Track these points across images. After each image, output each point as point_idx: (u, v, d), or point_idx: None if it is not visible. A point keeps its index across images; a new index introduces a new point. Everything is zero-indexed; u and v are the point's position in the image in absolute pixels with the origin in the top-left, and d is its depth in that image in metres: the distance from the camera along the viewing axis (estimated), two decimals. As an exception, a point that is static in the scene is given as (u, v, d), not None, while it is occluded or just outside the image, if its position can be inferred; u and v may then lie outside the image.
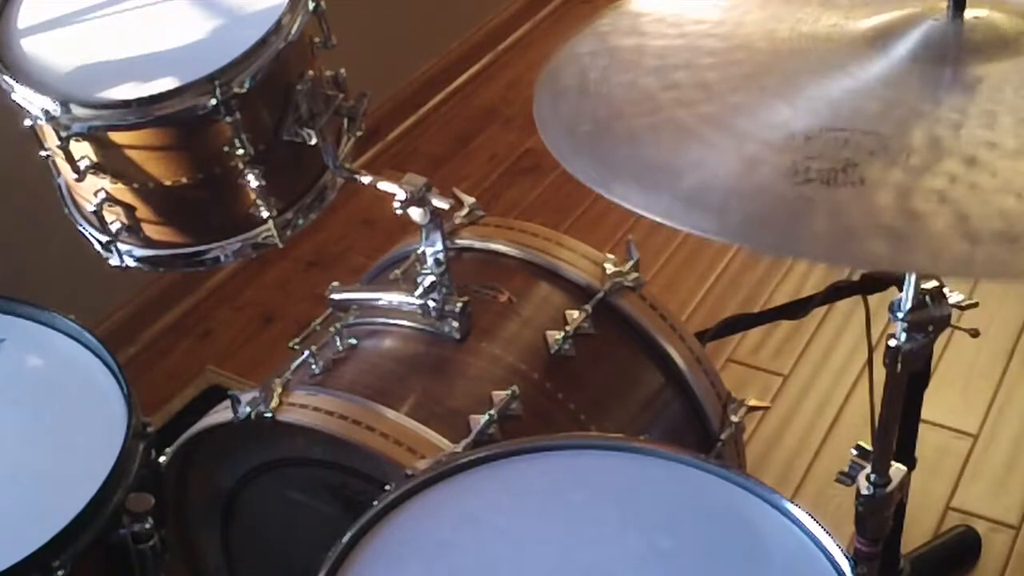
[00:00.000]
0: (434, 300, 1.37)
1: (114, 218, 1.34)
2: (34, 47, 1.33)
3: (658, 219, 0.89)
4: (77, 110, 1.25)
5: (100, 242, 1.37)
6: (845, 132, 0.91)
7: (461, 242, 1.53)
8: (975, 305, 1.23)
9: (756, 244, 0.90)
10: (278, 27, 1.27)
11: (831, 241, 0.86)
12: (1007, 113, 0.92)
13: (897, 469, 1.19)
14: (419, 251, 1.40)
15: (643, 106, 1.01)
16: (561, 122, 1.03)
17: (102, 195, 1.31)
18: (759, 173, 0.90)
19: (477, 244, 1.53)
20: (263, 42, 1.26)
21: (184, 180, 1.30)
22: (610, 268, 1.48)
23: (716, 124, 0.96)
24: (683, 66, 1.04)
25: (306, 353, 1.39)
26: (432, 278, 1.38)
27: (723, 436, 1.47)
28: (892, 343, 1.08)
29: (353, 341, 1.42)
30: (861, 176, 0.88)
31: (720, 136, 0.95)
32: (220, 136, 1.27)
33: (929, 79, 0.96)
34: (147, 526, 1.12)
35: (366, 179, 1.37)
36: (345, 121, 1.40)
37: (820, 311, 2.21)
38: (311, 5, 1.32)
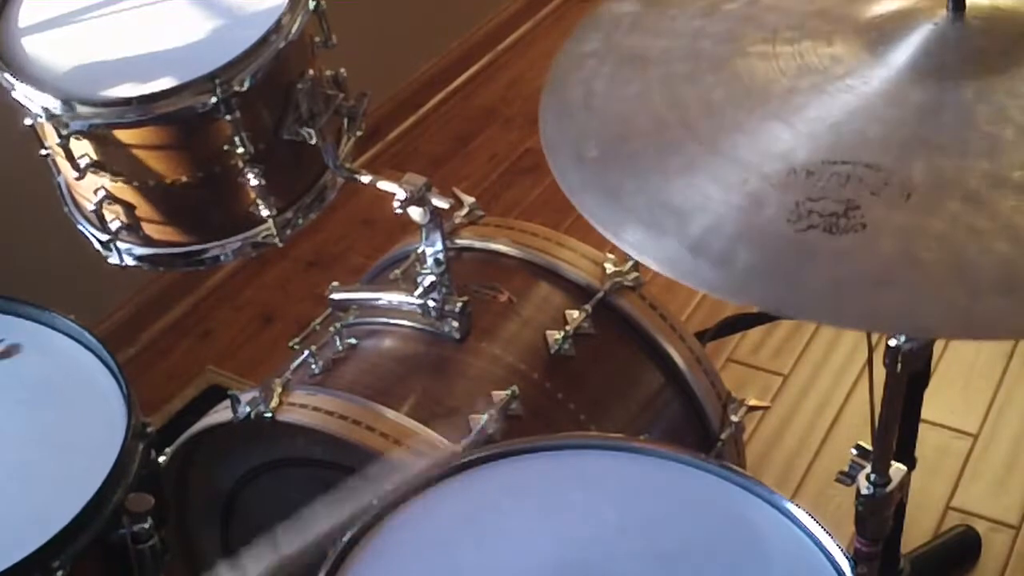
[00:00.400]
0: (434, 300, 1.37)
1: (114, 217, 1.34)
2: (34, 46, 1.32)
3: (666, 272, 0.90)
4: (77, 108, 1.24)
5: (100, 241, 1.37)
6: (847, 165, 0.92)
7: (461, 242, 1.53)
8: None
9: (762, 303, 0.91)
10: (278, 26, 1.27)
11: (833, 300, 0.87)
12: (1009, 137, 0.92)
13: (897, 469, 1.19)
14: (419, 251, 1.40)
15: (648, 127, 1.01)
16: (568, 144, 1.03)
17: (102, 193, 1.31)
18: (763, 216, 0.91)
19: (477, 244, 1.53)
20: (263, 41, 1.26)
21: (184, 179, 1.30)
22: (610, 268, 1.48)
23: (720, 153, 0.97)
24: (686, 77, 1.04)
25: (306, 353, 1.39)
26: (432, 278, 1.37)
27: (723, 436, 1.47)
28: (892, 343, 1.08)
29: (353, 341, 1.42)
30: (863, 220, 0.88)
31: (724, 167, 0.95)
32: (220, 135, 1.27)
33: (930, 96, 0.96)
34: (146, 526, 1.12)
35: (366, 179, 1.37)
36: (345, 121, 1.39)
37: (820, 311, 2.21)
38: (311, 4, 1.32)
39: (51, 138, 1.28)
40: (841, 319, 0.90)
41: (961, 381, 2.10)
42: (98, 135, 1.27)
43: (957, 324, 0.85)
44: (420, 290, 1.38)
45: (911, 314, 0.85)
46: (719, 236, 0.91)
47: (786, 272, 0.88)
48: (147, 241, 1.36)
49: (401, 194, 1.32)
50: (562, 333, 1.42)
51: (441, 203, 1.33)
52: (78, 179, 1.30)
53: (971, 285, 0.84)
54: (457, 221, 1.55)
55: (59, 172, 1.39)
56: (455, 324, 1.38)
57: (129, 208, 1.33)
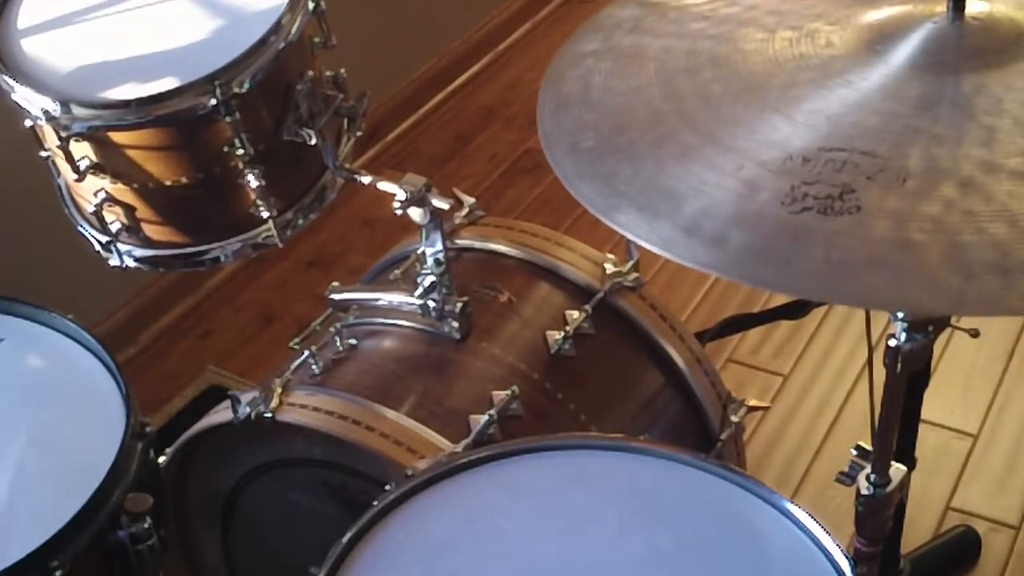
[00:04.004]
0: (434, 300, 1.37)
1: (114, 218, 1.34)
2: (34, 47, 1.32)
3: (658, 251, 0.90)
4: (77, 110, 1.24)
5: (100, 242, 1.37)
6: (843, 152, 0.92)
7: (461, 242, 1.53)
8: (975, 305, 1.23)
9: (753, 281, 0.91)
10: (278, 27, 1.27)
11: (827, 278, 0.87)
12: (1006, 127, 0.92)
13: (897, 469, 1.19)
14: (419, 251, 1.40)
15: (645, 119, 1.02)
16: (564, 136, 1.03)
17: (102, 195, 1.31)
18: (757, 200, 0.91)
19: (477, 244, 1.53)
20: (263, 42, 1.26)
21: (184, 180, 1.30)
22: (610, 268, 1.48)
23: (716, 142, 0.97)
24: (684, 72, 1.04)
25: (306, 353, 1.39)
26: (432, 278, 1.37)
27: (723, 436, 1.47)
28: (892, 343, 1.08)
29: (353, 341, 1.42)
30: (858, 203, 0.88)
31: (720, 155, 0.96)
32: (220, 136, 1.27)
33: (928, 90, 0.96)
34: (145, 526, 1.12)
35: (366, 179, 1.37)
36: (345, 121, 1.40)
37: (820, 311, 2.22)
38: (311, 5, 1.32)
39: (51, 140, 1.28)
40: (834, 296, 0.90)
41: (961, 381, 2.10)
42: (98, 137, 1.27)
43: (949, 302, 0.85)
44: (420, 290, 1.38)
45: (904, 292, 0.86)
46: (712, 218, 0.92)
47: (779, 251, 0.88)
48: (147, 243, 1.36)
49: (401, 194, 1.32)
50: (562, 333, 1.42)
51: (441, 203, 1.33)
52: (78, 181, 1.30)
53: (964, 265, 0.84)
54: (457, 221, 1.55)
55: (59, 174, 1.39)
56: (455, 324, 1.38)
57: (129, 210, 1.33)
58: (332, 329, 1.43)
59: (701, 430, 1.47)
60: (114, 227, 1.34)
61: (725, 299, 2.32)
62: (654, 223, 0.93)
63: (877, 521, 1.21)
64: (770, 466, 2.00)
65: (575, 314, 1.44)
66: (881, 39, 1.01)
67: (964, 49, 0.99)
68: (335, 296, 1.45)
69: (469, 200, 1.58)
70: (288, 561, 1.45)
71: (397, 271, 1.52)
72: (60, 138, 1.25)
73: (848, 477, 1.20)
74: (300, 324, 1.49)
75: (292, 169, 1.36)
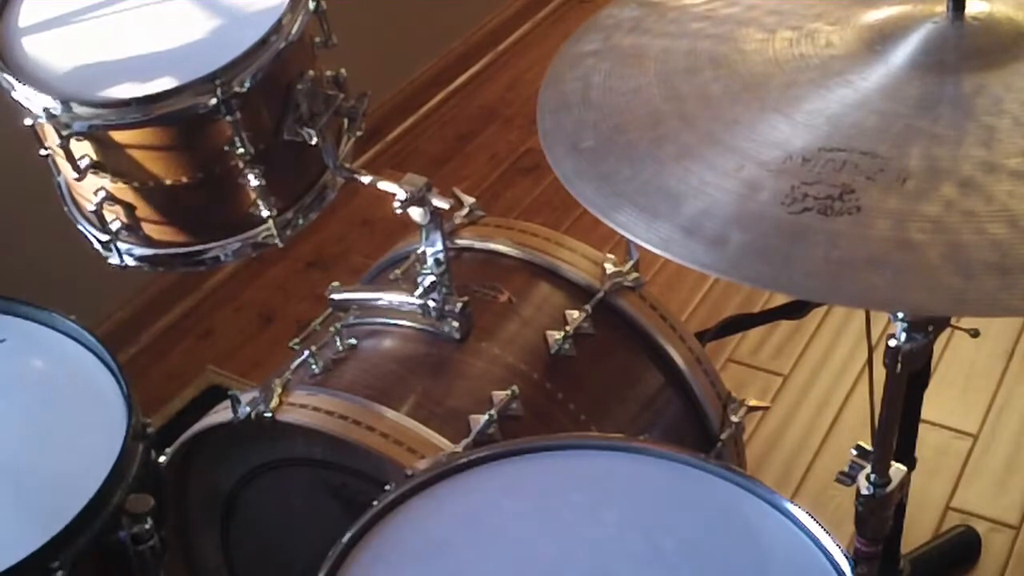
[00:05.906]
0: (434, 300, 1.37)
1: (114, 217, 1.34)
2: (35, 46, 1.33)
3: (658, 251, 0.90)
4: (77, 109, 1.24)
5: (100, 241, 1.37)
6: (843, 152, 0.92)
7: (461, 242, 1.53)
8: (975, 305, 1.23)
9: (753, 281, 0.91)
10: (278, 27, 1.27)
11: (827, 278, 0.87)
12: (1006, 127, 0.92)
13: (897, 469, 1.19)
14: (419, 251, 1.40)
15: (645, 119, 1.02)
16: (564, 136, 1.03)
17: (102, 194, 1.31)
18: (757, 200, 0.91)
19: (477, 244, 1.53)
20: (263, 42, 1.26)
21: (184, 179, 1.30)
22: (610, 268, 1.48)
23: (716, 142, 0.97)
24: (684, 72, 1.05)
25: (306, 353, 1.39)
26: (432, 278, 1.37)
27: (723, 436, 1.47)
28: (892, 343, 1.08)
29: (353, 341, 1.42)
30: (858, 203, 0.89)
31: (720, 155, 0.96)
32: (220, 135, 1.27)
33: (928, 90, 0.96)
34: (146, 527, 1.12)
35: (366, 179, 1.37)
36: (345, 121, 1.39)
37: (820, 311, 2.22)
38: (311, 5, 1.32)
39: (51, 138, 1.28)
40: (834, 296, 0.90)
41: (961, 381, 2.10)
42: (98, 136, 1.27)
43: (949, 302, 0.86)
44: (420, 290, 1.38)
45: (904, 292, 0.86)
46: (712, 218, 0.92)
47: (779, 251, 0.89)
48: (147, 242, 1.36)
49: (401, 194, 1.32)
50: (562, 333, 1.42)
51: (441, 203, 1.33)
52: (78, 180, 1.30)
53: (964, 265, 0.85)
54: (457, 221, 1.55)
55: (59, 172, 1.39)
56: (455, 324, 1.38)
57: (129, 209, 1.33)
58: (332, 329, 1.42)
59: (701, 430, 1.47)
60: (114, 226, 1.34)
61: (725, 299, 2.32)
62: (654, 223, 0.93)
63: (877, 521, 1.21)
64: (770, 466, 2.00)
65: (575, 314, 1.44)
66: (881, 39, 1.01)
67: (964, 49, 0.99)
68: (335, 296, 1.45)
69: (469, 200, 1.58)
70: (288, 561, 1.45)
71: (397, 271, 1.52)
72: (60, 137, 1.25)
73: (848, 477, 1.20)
74: (300, 324, 1.49)
75: (292, 169, 1.36)
